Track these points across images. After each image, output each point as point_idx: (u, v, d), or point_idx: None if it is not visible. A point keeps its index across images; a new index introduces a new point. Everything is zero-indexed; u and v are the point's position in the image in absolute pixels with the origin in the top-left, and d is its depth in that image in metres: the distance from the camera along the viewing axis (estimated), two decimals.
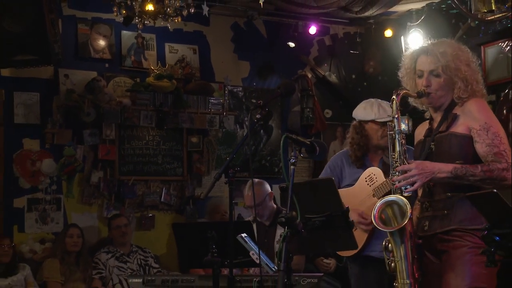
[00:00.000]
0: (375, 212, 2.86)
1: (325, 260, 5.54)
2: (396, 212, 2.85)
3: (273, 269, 3.52)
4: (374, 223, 2.85)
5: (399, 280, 2.84)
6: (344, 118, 6.94)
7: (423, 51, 3.04)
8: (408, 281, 2.81)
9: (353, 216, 3.58)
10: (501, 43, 6.19)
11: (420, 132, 3.14)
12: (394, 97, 2.95)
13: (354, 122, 3.91)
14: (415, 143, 3.16)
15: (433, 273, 2.90)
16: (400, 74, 3.16)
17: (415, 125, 3.22)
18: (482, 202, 2.54)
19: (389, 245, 2.88)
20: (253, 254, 3.46)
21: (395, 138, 2.93)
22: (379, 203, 2.88)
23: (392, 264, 2.86)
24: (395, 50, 6.72)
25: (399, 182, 2.85)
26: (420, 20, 6.71)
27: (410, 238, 2.83)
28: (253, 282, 3.38)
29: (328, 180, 3.24)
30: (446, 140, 2.92)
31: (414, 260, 2.84)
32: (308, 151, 2.84)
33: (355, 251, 3.68)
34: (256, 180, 5.24)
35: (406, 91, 3.00)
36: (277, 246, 4.82)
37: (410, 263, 2.82)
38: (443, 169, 2.81)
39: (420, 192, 3.05)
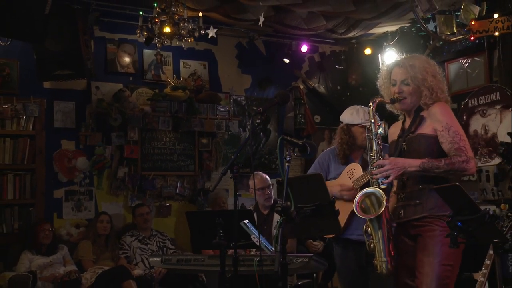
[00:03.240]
0: (356, 202, 2.85)
1: (314, 243, 5.53)
2: (374, 201, 2.84)
3: (271, 250, 3.51)
4: (356, 212, 2.83)
5: (377, 258, 2.85)
6: (330, 123, 6.95)
7: (396, 64, 3.04)
8: (385, 259, 2.82)
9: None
10: (461, 60, 6.21)
11: (394, 131, 3.11)
12: (370, 104, 2.94)
13: (342, 125, 3.85)
14: (389, 141, 3.13)
15: (407, 253, 2.90)
16: (378, 83, 3.15)
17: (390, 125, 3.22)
18: (446, 193, 2.53)
19: (369, 229, 2.87)
20: (254, 237, 3.45)
21: (372, 139, 2.92)
22: (358, 195, 2.87)
23: (372, 245, 2.86)
24: (373, 66, 6.70)
25: (376, 175, 2.85)
26: (394, 41, 6.72)
27: (387, 223, 2.82)
28: (254, 261, 3.36)
29: (317, 175, 3.24)
30: (415, 140, 2.92)
31: (390, 241, 2.84)
32: (301, 151, 2.82)
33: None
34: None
35: (381, 99, 2.99)
36: (275, 231, 4.83)
37: (386, 244, 2.82)
38: (412, 164, 2.81)
39: (395, 186, 3.04)
